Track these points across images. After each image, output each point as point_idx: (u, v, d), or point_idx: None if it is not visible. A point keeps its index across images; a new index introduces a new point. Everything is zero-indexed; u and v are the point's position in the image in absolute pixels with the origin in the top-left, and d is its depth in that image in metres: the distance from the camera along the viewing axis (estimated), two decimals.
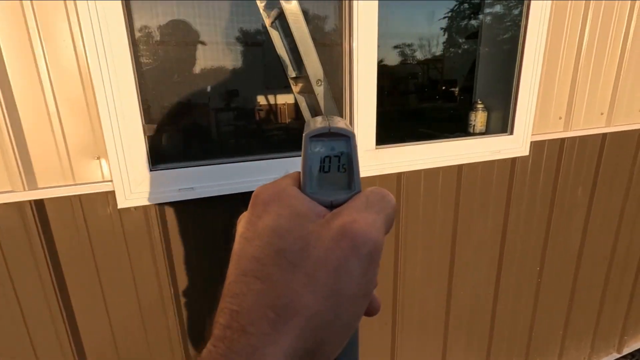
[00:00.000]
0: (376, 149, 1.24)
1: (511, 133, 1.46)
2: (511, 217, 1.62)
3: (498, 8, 1.56)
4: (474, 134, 1.59)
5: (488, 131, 1.59)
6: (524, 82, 1.40)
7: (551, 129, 1.57)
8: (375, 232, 0.22)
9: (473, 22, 1.67)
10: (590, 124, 1.65)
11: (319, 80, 1.52)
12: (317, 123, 0.26)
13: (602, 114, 1.66)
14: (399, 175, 1.33)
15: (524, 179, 1.58)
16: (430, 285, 1.57)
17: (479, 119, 1.58)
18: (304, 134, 0.25)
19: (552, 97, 1.52)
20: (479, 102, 1.58)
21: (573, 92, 1.54)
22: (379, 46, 1.15)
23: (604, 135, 1.69)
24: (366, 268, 0.22)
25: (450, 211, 1.49)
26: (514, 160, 1.53)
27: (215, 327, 0.22)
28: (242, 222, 0.26)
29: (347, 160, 0.25)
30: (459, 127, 1.70)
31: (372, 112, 1.21)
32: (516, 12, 1.41)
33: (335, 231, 0.22)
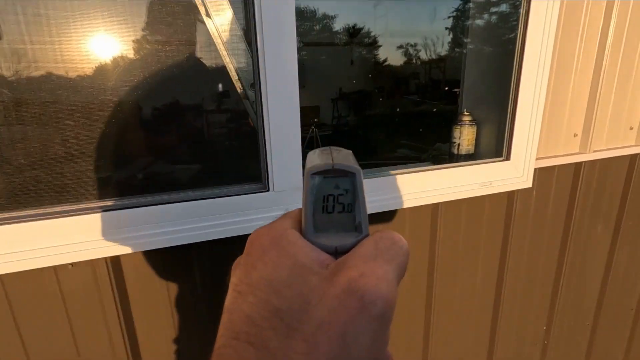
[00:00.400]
0: None
1: (507, 158, 1.06)
2: (509, 268, 1.21)
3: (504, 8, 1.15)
4: (458, 156, 1.18)
5: (477, 152, 1.19)
6: (524, 91, 0.99)
7: (563, 149, 1.16)
8: (386, 287, 0.19)
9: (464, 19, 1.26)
10: (616, 142, 1.24)
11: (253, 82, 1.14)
12: (320, 157, 0.23)
13: (631, 128, 1.25)
14: None
15: (525, 219, 1.17)
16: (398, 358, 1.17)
17: (465, 136, 1.18)
18: (305, 170, 0.23)
19: (564, 108, 1.11)
20: (466, 113, 1.18)
21: (593, 101, 1.13)
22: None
23: (634, 156, 1.28)
24: (377, 331, 0.18)
25: (422, 265, 1.09)
26: (511, 194, 1.12)
27: None
28: (236, 270, 0.22)
29: (352, 199, 0.23)
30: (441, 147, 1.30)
31: (295, 141, 0.81)
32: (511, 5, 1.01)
33: (341, 288, 0.19)
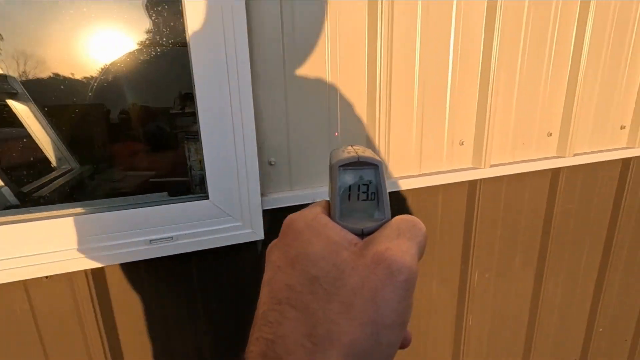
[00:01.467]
0: None
1: (205, 195, 0.68)
2: None
3: None
4: (194, 185, 0.81)
5: None
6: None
7: (409, 167, 0.88)
8: (409, 259, 0.22)
9: None
10: (529, 151, 0.95)
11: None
12: (345, 152, 0.26)
13: (549, 134, 0.96)
14: None
15: None
16: None
17: (198, 155, 0.80)
18: (332, 163, 0.25)
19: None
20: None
21: (485, 99, 0.84)
22: None
23: (556, 171, 0.99)
24: (403, 295, 0.21)
25: None
26: (239, 258, 0.80)
27: (249, 357, 0.22)
28: (273, 250, 0.26)
29: (375, 188, 0.26)
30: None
31: None
32: None
33: (370, 259, 0.22)
